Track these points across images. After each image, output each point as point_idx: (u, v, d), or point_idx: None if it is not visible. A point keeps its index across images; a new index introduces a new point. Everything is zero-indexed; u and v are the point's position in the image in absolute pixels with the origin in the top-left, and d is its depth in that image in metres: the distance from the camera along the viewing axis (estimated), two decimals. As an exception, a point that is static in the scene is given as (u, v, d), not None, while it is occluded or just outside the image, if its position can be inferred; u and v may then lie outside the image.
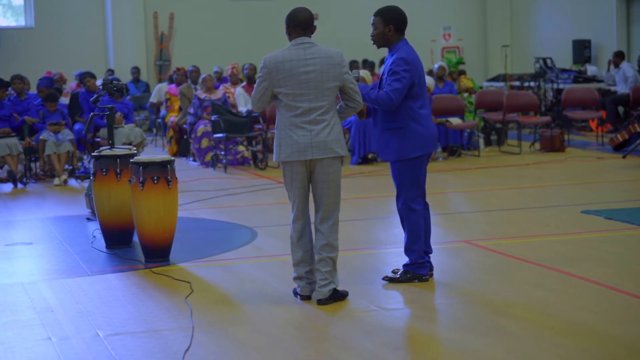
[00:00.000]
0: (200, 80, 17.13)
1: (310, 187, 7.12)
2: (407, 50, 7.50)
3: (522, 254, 8.53)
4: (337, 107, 7.12)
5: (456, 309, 6.93)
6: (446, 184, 13.82)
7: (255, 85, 7.10)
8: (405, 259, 7.70)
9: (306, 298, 7.12)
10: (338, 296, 7.07)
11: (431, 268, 7.78)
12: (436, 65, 18.04)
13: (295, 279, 7.16)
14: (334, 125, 7.00)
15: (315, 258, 7.11)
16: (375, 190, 12.47)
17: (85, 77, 15.64)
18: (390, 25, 7.53)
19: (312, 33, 7.07)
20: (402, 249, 7.74)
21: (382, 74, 7.55)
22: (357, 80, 7.25)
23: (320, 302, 7.00)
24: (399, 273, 7.67)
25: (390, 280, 7.64)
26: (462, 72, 19.99)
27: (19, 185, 14.34)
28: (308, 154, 6.93)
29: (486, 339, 6.10)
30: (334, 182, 7.04)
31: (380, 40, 7.60)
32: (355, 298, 7.15)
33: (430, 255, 7.82)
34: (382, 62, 18.45)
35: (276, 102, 7.05)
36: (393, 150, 7.50)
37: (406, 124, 7.45)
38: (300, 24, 7.01)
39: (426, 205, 7.79)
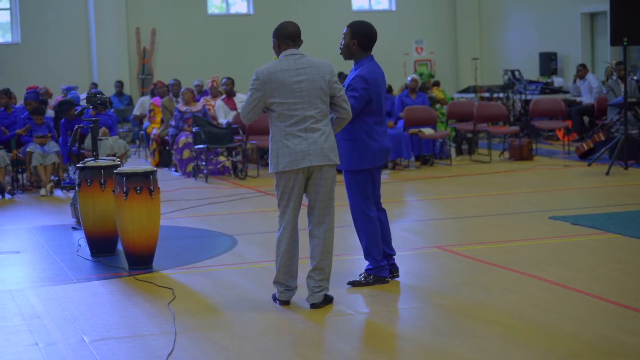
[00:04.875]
0: (180, 93, 17.30)
1: (305, 194, 7.19)
2: (368, 67, 7.64)
3: (493, 258, 8.66)
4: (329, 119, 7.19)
5: (428, 312, 7.05)
6: (419, 192, 13.99)
7: (246, 98, 7.13)
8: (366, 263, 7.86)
9: (285, 303, 7.21)
10: (328, 300, 7.21)
11: (395, 270, 7.94)
12: (409, 78, 18.26)
13: (275, 283, 7.23)
14: (329, 134, 7.09)
15: (310, 264, 7.17)
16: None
17: (67, 108, 15.57)
18: (355, 40, 7.66)
19: (300, 45, 7.17)
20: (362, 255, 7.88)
21: (343, 86, 7.60)
22: None
23: (314, 305, 7.11)
24: (361, 277, 7.82)
25: (354, 284, 7.79)
26: (437, 83, 20.20)
27: (7, 196, 14.43)
28: (307, 161, 6.99)
29: (457, 340, 6.22)
30: (329, 188, 7.13)
31: (345, 52, 7.75)
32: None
33: (394, 257, 7.98)
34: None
35: (269, 113, 7.10)
36: (344, 161, 7.64)
37: (359, 137, 7.62)
38: (290, 37, 7.11)
39: (382, 210, 7.94)
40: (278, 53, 7.17)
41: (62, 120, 15.49)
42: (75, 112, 11.10)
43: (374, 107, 7.66)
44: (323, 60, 7.21)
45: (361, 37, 7.70)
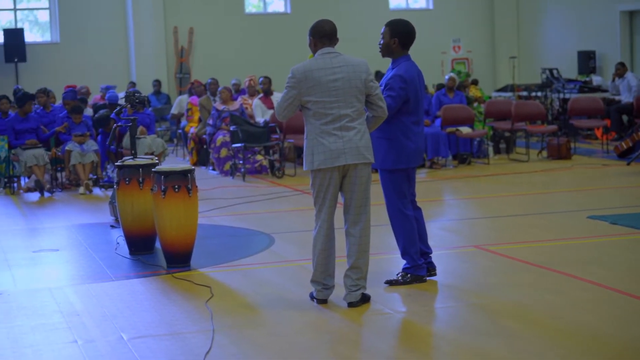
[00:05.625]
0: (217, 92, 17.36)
1: (341, 192, 7.18)
2: (406, 67, 7.65)
3: (531, 258, 8.63)
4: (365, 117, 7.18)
5: (466, 311, 7.04)
6: (456, 191, 13.98)
7: (282, 95, 7.15)
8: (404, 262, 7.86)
9: (322, 302, 7.21)
10: (366, 299, 7.21)
11: (433, 268, 7.95)
12: (446, 76, 18.22)
13: (312, 282, 7.24)
14: (364, 132, 7.08)
15: (347, 263, 7.18)
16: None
17: (106, 123, 15.58)
18: (396, 38, 7.68)
19: (336, 44, 7.17)
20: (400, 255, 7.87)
21: (380, 85, 7.63)
22: None
23: (351, 304, 7.11)
24: (398, 276, 7.84)
25: (391, 283, 7.80)
26: (474, 82, 20.13)
27: (46, 194, 14.56)
28: (342, 159, 6.99)
29: (495, 340, 6.20)
30: (364, 186, 7.11)
31: (385, 50, 7.77)
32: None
33: (431, 255, 7.98)
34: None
35: (304, 111, 7.11)
36: (379, 159, 7.65)
37: (395, 136, 7.63)
38: (326, 35, 7.11)
39: (418, 209, 7.94)
40: (314, 51, 7.17)
41: (100, 130, 15.60)
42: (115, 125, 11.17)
43: (411, 107, 7.66)
44: (359, 58, 7.20)
45: (401, 35, 7.71)
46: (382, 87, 7.59)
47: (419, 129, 7.76)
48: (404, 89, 7.57)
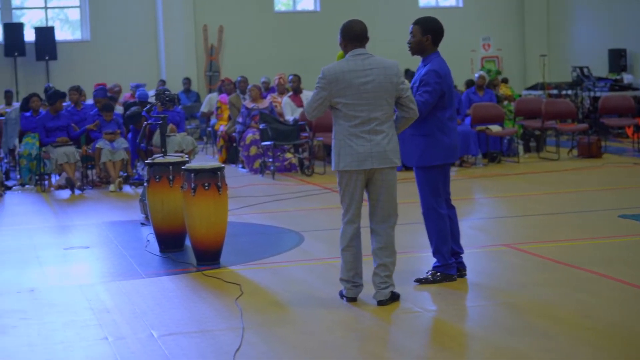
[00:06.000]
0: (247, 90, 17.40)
1: (367, 192, 7.18)
2: (439, 62, 7.66)
3: (561, 257, 8.60)
4: (394, 118, 7.18)
5: (496, 310, 7.01)
6: (486, 189, 13.95)
7: (312, 95, 7.15)
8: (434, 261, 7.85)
9: (352, 300, 7.21)
10: (395, 297, 7.19)
11: (463, 268, 7.93)
12: (476, 75, 18.16)
13: (341, 280, 7.24)
14: (392, 136, 7.06)
15: (374, 262, 7.18)
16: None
17: (137, 120, 15.62)
18: (428, 35, 7.69)
19: (367, 43, 7.15)
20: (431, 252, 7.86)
21: (413, 83, 7.67)
22: None
23: (381, 302, 7.10)
24: (428, 274, 7.82)
25: (421, 281, 7.79)
26: (505, 80, 20.05)
27: (77, 192, 14.65)
28: (368, 163, 6.99)
29: (526, 339, 6.18)
30: (391, 189, 7.12)
31: (416, 48, 7.76)
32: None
33: (462, 255, 7.96)
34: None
35: (334, 112, 7.10)
36: (416, 157, 7.67)
37: (432, 133, 7.63)
38: (357, 36, 7.08)
39: (452, 207, 7.93)
40: (345, 52, 7.16)
41: (131, 127, 15.66)
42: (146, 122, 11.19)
43: (446, 102, 7.67)
44: (390, 60, 7.17)
45: (433, 32, 7.73)
46: (417, 84, 7.62)
47: (453, 124, 7.77)
48: (440, 84, 7.58)
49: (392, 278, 7.21)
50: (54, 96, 15.23)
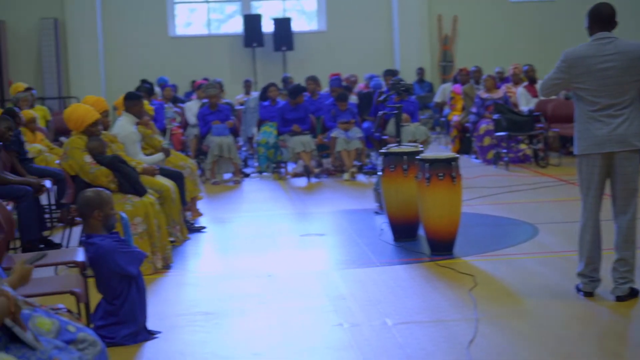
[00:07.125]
0: (481, 80, 17.30)
1: (609, 181, 6.97)
2: None
3: None
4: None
5: None
6: None
7: (550, 73, 7.03)
8: None
9: (588, 295, 7.03)
10: (635, 293, 6.95)
11: None
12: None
13: (578, 275, 7.07)
14: (634, 119, 6.82)
15: (614, 256, 6.98)
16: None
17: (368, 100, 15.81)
18: None
19: (614, 28, 6.92)
20: None
21: None
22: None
23: (619, 298, 6.90)
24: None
25: None
26: None
27: (312, 180, 14.99)
28: (607, 146, 6.80)
29: None
30: (631, 175, 6.87)
31: None
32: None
33: None
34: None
35: (575, 95, 6.99)
36: None
37: None
38: (603, 20, 6.88)
39: None
40: (590, 34, 6.98)
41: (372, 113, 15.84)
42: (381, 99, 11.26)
43: None
44: (635, 42, 6.91)
45: None
46: None
47: None
48: None
49: (634, 273, 6.97)
50: (296, 90, 15.62)
